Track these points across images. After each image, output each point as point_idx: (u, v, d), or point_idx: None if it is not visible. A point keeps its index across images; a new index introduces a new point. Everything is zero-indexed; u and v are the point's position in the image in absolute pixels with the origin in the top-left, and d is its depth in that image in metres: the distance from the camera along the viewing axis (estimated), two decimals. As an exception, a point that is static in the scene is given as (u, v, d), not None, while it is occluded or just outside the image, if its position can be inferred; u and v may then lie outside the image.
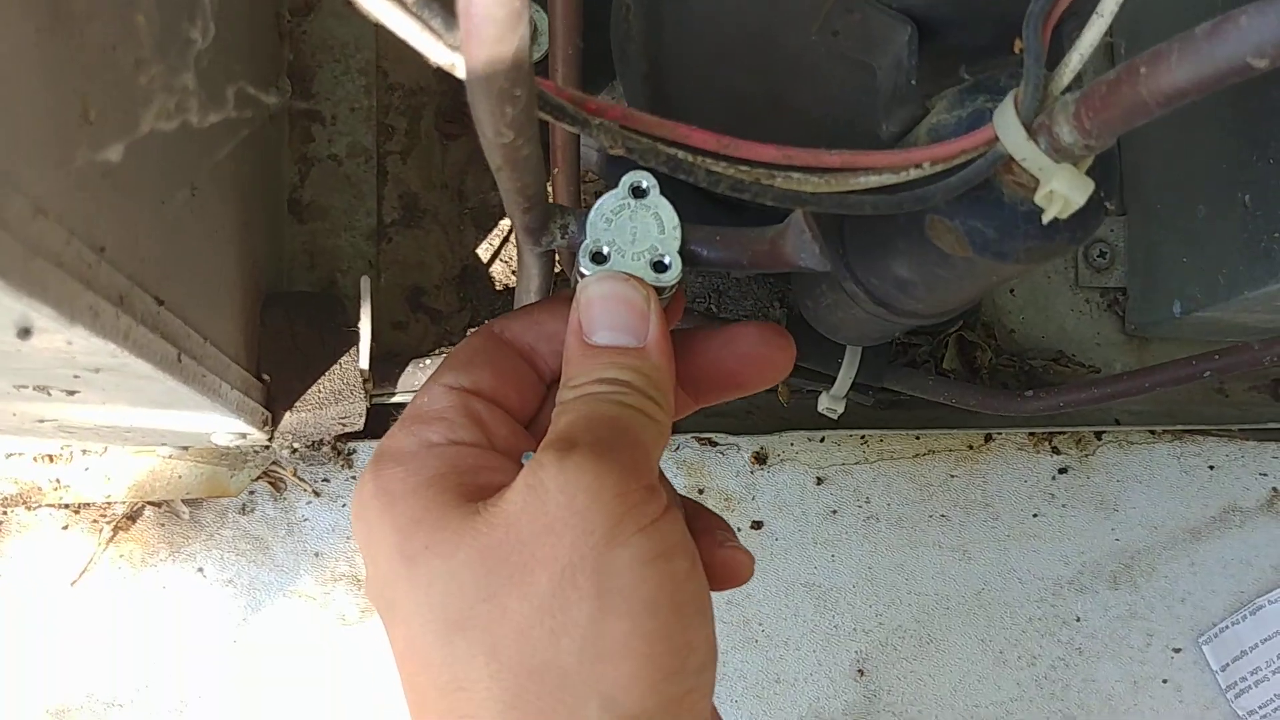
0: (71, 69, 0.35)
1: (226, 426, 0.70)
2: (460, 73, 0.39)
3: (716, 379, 0.50)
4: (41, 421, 0.64)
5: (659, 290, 0.59)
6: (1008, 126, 0.48)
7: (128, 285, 0.44)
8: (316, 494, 0.92)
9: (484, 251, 0.95)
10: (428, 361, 0.88)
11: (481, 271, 0.94)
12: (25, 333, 0.36)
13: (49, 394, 0.49)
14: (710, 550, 0.46)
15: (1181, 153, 0.91)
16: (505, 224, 0.95)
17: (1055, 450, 1.00)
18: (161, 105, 0.36)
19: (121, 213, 0.44)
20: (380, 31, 0.94)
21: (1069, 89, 0.48)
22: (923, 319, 0.67)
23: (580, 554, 0.37)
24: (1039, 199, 0.49)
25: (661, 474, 0.46)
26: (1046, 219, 0.49)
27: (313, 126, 0.92)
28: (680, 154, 0.47)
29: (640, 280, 0.50)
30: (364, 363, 0.81)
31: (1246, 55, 0.38)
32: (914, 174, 0.50)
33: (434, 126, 0.94)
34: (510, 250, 0.95)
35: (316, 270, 0.91)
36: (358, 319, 0.80)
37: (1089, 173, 0.49)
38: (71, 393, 0.50)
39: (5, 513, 0.89)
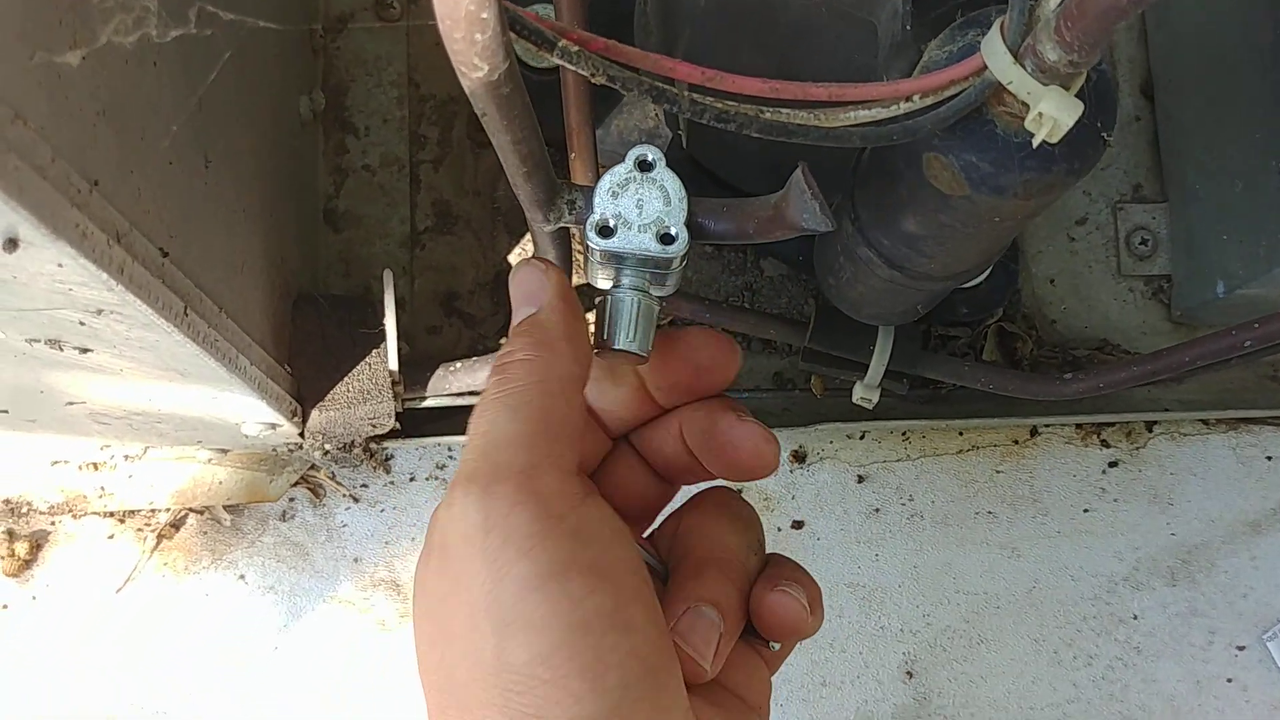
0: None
1: (254, 414, 0.71)
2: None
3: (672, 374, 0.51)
4: (72, 404, 0.66)
5: (668, 261, 0.59)
6: (994, 52, 0.48)
7: (126, 225, 0.45)
8: (355, 499, 0.93)
9: (516, 257, 0.96)
10: (458, 365, 0.88)
11: (515, 277, 0.95)
12: (11, 244, 0.37)
13: (61, 348, 0.50)
14: (761, 594, 0.46)
15: (1218, 132, 0.90)
16: (537, 229, 0.96)
17: (1105, 443, 0.98)
18: (120, 20, 0.37)
19: (119, 157, 0.46)
20: (412, 45, 0.96)
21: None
22: (937, 282, 0.67)
23: (475, 595, 0.38)
24: (1028, 123, 0.48)
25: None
26: (1036, 142, 0.48)
27: (346, 138, 0.94)
28: (663, 85, 0.47)
29: (543, 259, 0.51)
30: (392, 363, 0.82)
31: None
32: (904, 107, 0.50)
33: (466, 135, 0.96)
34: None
35: (352, 278, 0.92)
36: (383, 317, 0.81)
37: (1081, 97, 0.48)
38: (84, 350, 0.52)
39: (53, 522, 0.91)
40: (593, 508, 0.41)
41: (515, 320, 0.46)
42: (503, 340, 0.94)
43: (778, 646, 0.50)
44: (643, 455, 0.51)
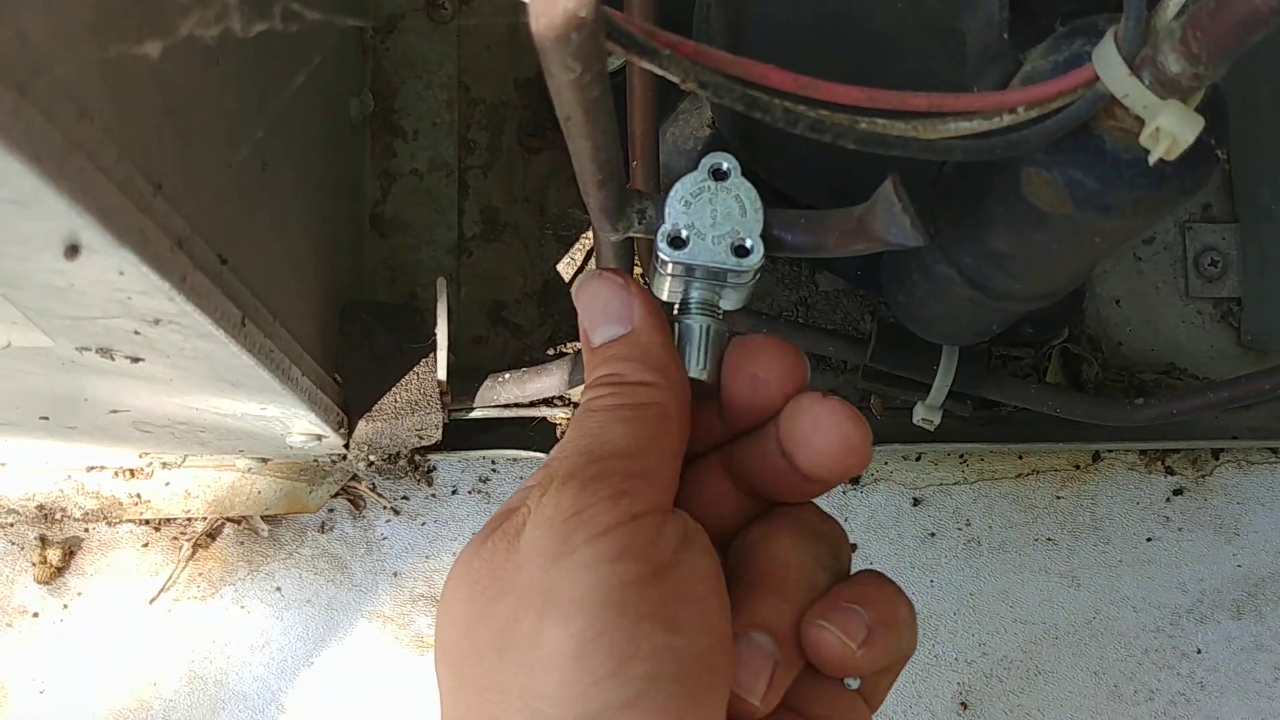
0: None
1: (301, 424, 0.69)
2: (522, -9, 0.37)
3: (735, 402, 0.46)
4: (115, 412, 0.63)
5: (742, 274, 0.56)
6: (1108, 63, 0.45)
7: (187, 230, 0.43)
8: (396, 512, 0.90)
9: (565, 267, 0.93)
10: (506, 376, 0.86)
11: (562, 286, 0.93)
12: (73, 250, 0.35)
13: (112, 357, 0.48)
14: (805, 625, 0.42)
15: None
16: (587, 238, 0.93)
17: (1169, 470, 0.95)
18: (200, 14, 0.35)
19: (181, 159, 0.43)
20: (463, 47, 0.94)
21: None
22: (1020, 303, 0.64)
23: (535, 576, 0.36)
24: (1144, 139, 0.45)
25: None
26: (1153, 159, 0.45)
27: (394, 142, 0.91)
28: (756, 93, 0.45)
29: (617, 271, 0.48)
30: (441, 373, 0.80)
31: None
32: (1007, 119, 0.47)
33: (516, 141, 0.93)
34: (593, 265, 0.93)
35: (398, 285, 0.90)
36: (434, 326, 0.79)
37: (1198, 111, 0.45)
38: (135, 360, 0.49)
39: (87, 529, 0.88)
40: (679, 518, 0.40)
41: (596, 338, 0.44)
42: (550, 351, 0.92)
43: (854, 684, 0.46)
44: (732, 473, 0.46)
